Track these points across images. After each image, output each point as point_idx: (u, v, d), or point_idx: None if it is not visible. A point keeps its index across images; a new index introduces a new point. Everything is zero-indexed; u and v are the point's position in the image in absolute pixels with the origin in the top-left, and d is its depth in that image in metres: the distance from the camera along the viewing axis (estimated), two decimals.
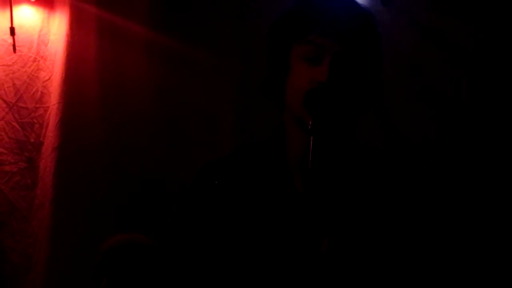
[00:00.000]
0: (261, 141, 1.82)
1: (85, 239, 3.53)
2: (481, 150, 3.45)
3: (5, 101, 3.72)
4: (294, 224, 1.66)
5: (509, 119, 3.44)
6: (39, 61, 3.77)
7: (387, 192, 1.72)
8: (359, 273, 1.64)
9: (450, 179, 3.40)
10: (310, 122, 1.56)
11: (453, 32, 3.51)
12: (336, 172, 1.66)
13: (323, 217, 1.61)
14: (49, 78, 3.76)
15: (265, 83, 1.77)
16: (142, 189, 3.65)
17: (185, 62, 3.76)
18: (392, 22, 3.45)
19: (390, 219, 1.69)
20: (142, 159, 3.70)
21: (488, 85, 3.47)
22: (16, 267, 3.62)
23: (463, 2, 3.48)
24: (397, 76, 3.43)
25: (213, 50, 3.75)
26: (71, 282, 3.51)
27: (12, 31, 3.69)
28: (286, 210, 1.70)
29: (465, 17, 3.47)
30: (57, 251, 3.59)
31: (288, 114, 1.75)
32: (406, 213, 1.72)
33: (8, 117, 3.71)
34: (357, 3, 1.72)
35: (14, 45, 3.71)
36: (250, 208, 1.72)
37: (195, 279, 1.75)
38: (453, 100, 3.50)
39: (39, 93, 3.76)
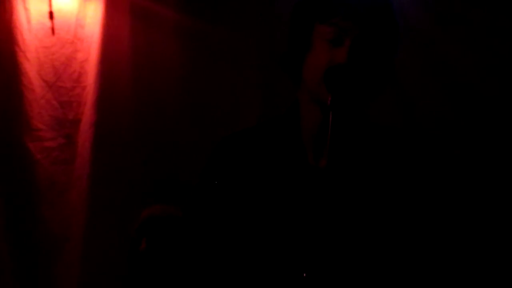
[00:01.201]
0: (276, 116, 1.82)
1: (120, 210, 3.60)
2: (495, 128, 3.40)
3: (45, 81, 3.72)
4: (306, 195, 1.66)
5: None
6: (76, 43, 3.77)
7: (397, 167, 1.71)
8: (366, 245, 1.63)
9: (462, 156, 3.36)
10: (330, 98, 1.57)
11: (466, 13, 3.46)
12: (351, 147, 1.68)
13: (337, 189, 1.62)
14: (86, 59, 3.77)
15: (284, 57, 1.77)
16: (172, 162, 3.67)
17: (212, 42, 3.75)
18: (409, 4, 3.40)
19: (398, 194, 1.67)
20: (172, 134, 3.71)
21: (501, 64, 3.41)
22: (55, 237, 3.68)
23: None
24: (413, 56, 3.42)
25: (238, 31, 3.74)
26: (107, 250, 3.58)
27: (51, 15, 3.69)
28: (298, 182, 1.69)
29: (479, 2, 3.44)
30: (94, 221, 3.66)
31: (304, 91, 1.75)
32: (414, 188, 1.70)
33: (48, 96, 3.72)
34: None
35: (53, 28, 3.70)
36: (265, 178, 1.72)
37: (215, 246, 1.74)
38: (466, 78, 3.46)
39: (77, 73, 3.76)
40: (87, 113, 3.73)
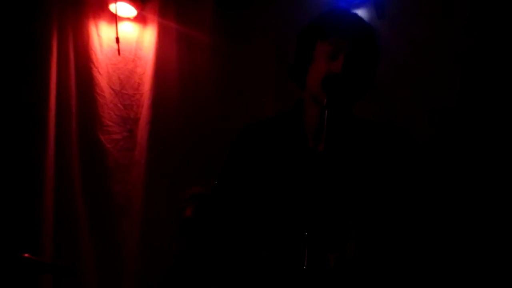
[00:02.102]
0: (285, 112, 1.98)
1: (169, 187, 3.94)
2: (458, 124, 3.52)
3: (113, 89, 4.13)
4: (308, 172, 1.81)
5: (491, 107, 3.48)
6: (136, 61, 4.14)
7: (376, 150, 1.88)
8: (354, 210, 1.79)
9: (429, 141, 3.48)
10: (325, 100, 1.75)
11: (433, 38, 3.67)
12: (342, 135, 1.87)
13: (332, 167, 1.77)
14: (143, 73, 4.12)
15: (292, 69, 1.96)
16: (209, 151, 3.86)
17: (240, 59, 4.03)
18: (386, 31, 3.59)
19: (377, 169, 1.84)
20: (210, 129, 3.95)
21: (471, 76, 3.52)
22: (121, 207, 4.04)
23: (442, 17, 3.69)
24: (393, 74, 3.65)
25: (260, 50, 3.98)
26: (160, 217, 3.91)
27: (117, 40, 4.12)
28: (302, 162, 1.86)
29: (442, 28, 3.66)
30: (151, 195, 4.00)
31: (306, 93, 1.92)
32: (388, 164, 1.86)
33: (115, 100, 4.11)
34: (362, 18, 1.96)
35: (118, 50, 4.12)
36: (276, 159, 1.88)
37: (239, 211, 1.91)
38: (439, 91, 3.61)
39: (137, 83, 4.12)
40: (145, 113, 4.06)
